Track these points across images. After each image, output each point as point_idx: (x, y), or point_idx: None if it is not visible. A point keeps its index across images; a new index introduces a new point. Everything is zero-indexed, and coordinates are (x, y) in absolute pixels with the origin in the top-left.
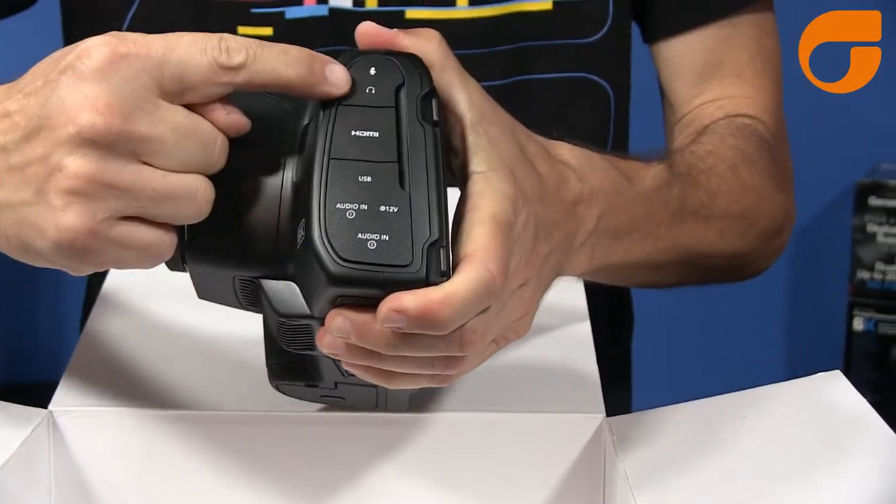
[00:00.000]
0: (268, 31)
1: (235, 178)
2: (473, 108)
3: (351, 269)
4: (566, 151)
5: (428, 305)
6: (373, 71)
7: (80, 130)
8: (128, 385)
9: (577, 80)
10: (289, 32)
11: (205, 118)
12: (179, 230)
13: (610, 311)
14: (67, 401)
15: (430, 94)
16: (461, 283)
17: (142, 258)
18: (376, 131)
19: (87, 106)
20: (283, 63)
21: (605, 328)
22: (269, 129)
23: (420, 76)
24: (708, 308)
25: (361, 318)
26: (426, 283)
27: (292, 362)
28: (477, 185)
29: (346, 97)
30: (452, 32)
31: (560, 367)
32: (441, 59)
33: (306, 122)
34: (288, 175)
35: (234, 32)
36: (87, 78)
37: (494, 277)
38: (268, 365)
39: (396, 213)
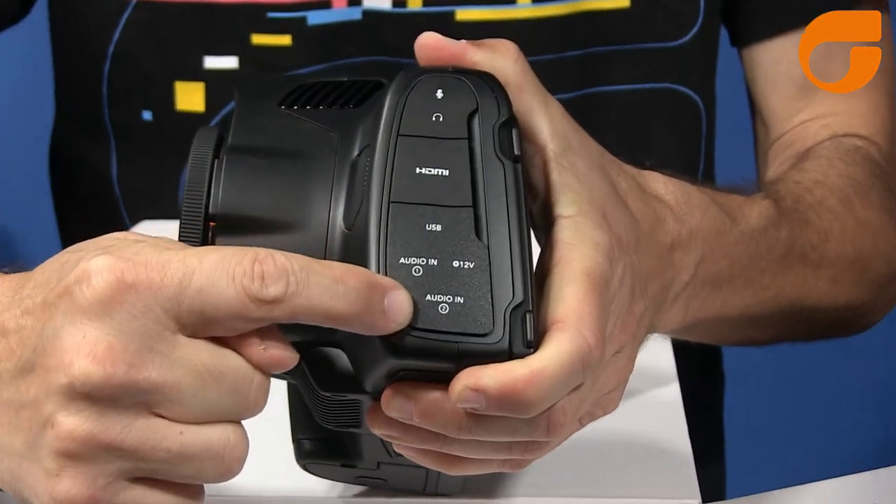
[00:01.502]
0: (286, 39)
1: None
2: (556, 136)
3: (418, 338)
4: (661, 185)
5: (512, 384)
6: (440, 94)
7: (73, 382)
8: None
9: (660, 92)
10: (313, 42)
11: (238, 353)
12: None
13: (699, 369)
14: None
15: (510, 122)
16: (552, 356)
17: None
18: (446, 168)
19: (84, 351)
20: (333, 295)
21: (693, 390)
22: (312, 161)
23: (497, 100)
24: (814, 365)
25: (428, 396)
26: (509, 355)
27: (326, 438)
28: (565, 232)
29: (408, 125)
30: (511, 36)
31: (646, 440)
32: (519, 77)
33: (357, 154)
34: (336, 217)
35: (247, 41)
36: (86, 312)
37: (591, 348)
38: (294, 441)
39: (472, 269)
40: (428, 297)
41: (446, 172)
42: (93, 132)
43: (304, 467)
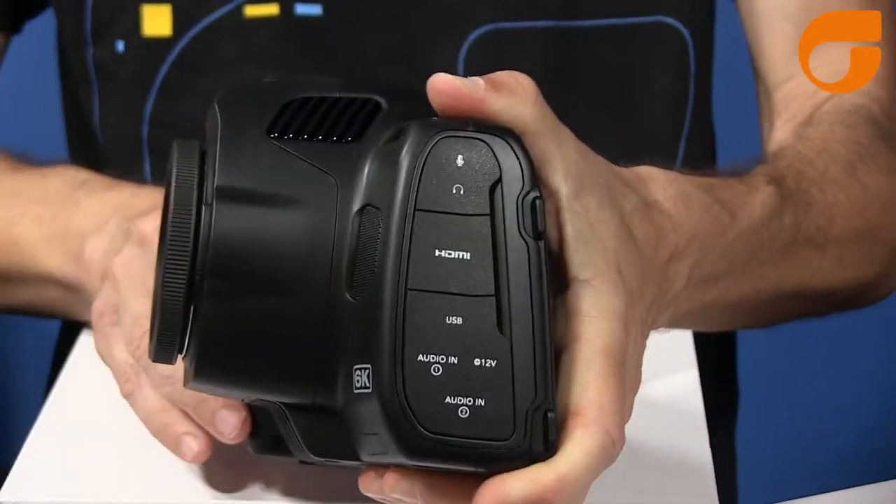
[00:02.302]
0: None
1: None
2: (570, 177)
3: (437, 443)
4: (660, 191)
5: (540, 494)
6: (460, 161)
7: None
8: (93, 474)
9: (644, 28)
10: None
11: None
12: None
13: (712, 381)
14: (20, 491)
15: (533, 193)
16: (577, 456)
17: None
18: (468, 251)
19: None
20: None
21: (706, 402)
22: (310, 212)
23: (521, 167)
24: (828, 375)
25: (439, 488)
26: (529, 458)
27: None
28: (584, 302)
29: (426, 199)
30: None
31: (665, 448)
32: (538, 122)
33: (359, 208)
34: (338, 282)
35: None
36: None
37: (614, 442)
38: (251, 439)
39: (494, 368)
40: (448, 399)
41: (467, 256)
42: (80, 78)
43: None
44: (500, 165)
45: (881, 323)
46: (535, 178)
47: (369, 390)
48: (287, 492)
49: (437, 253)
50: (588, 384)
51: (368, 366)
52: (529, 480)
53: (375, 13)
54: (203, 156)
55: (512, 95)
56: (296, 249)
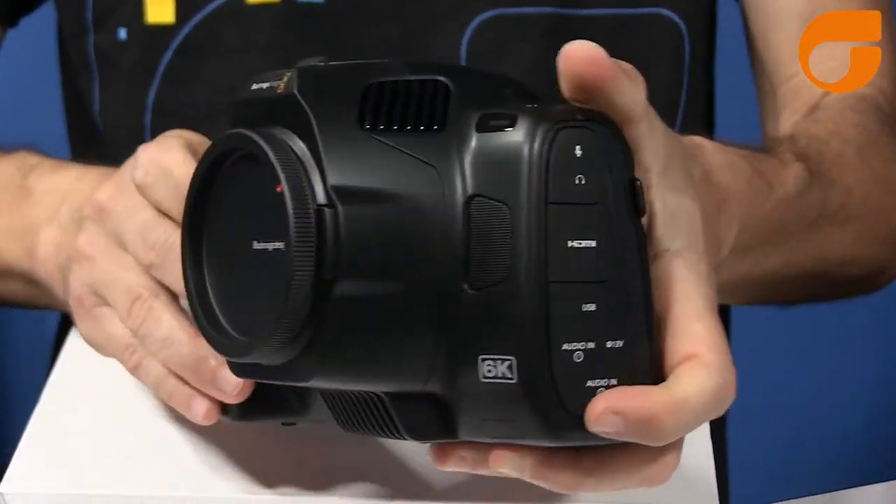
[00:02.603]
0: None
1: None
2: (658, 155)
3: (580, 425)
4: (711, 159)
5: (653, 412)
6: (579, 151)
7: None
8: (93, 464)
9: (641, 18)
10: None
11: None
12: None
13: None
14: (20, 482)
15: (633, 178)
16: (693, 389)
17: None
18: (593, 239)
19: None
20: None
21: None
22: (420, 206)
23: (624, 154)
24: (820, 375)
25: (547, 460)
26: None
27: (264, 397)
28: (678, 270)
29: (555, 191)
30: None
31: None
32: (642, 109)
33: (468, 196)
34: (454, 274)
35: None
36: None
37: (729, 387)
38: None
39: (621, 349)
40: (589, 382)
41: (594, 244)
42: (80, 67)
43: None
44: (609, 152)
45: (874, 323)
46: (633, 165)
47: (512, 380)
48: (286, 481)
49: (569, 244)
50: (701, 334)
51: (510, 358)
52: (644, 398)
53: (377, 1)
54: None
55: (634, 81)
56: (411, 243)
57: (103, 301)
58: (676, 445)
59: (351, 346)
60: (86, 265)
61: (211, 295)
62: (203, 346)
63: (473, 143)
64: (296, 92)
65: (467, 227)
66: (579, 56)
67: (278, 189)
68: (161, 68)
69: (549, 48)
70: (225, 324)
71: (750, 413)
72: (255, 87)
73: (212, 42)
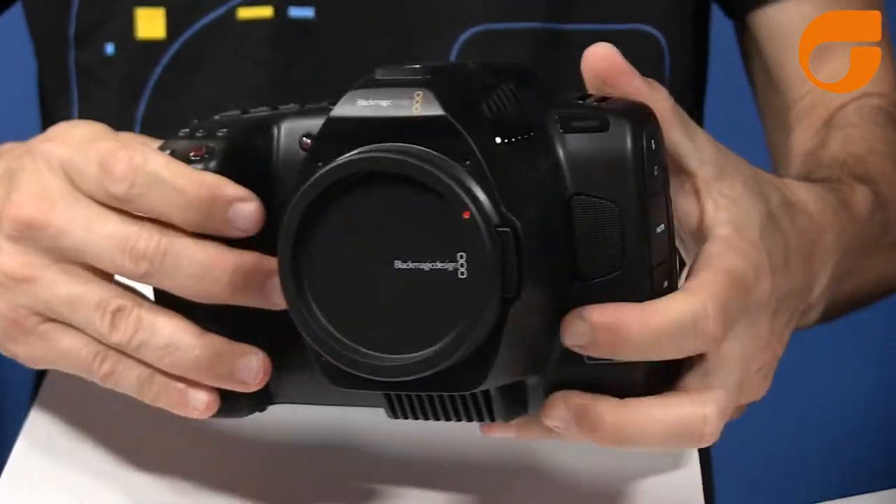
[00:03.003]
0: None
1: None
2: (706, 164)
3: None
4: (800, 193)
5: (619, 317)
6: (653, 145)
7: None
8: (87, 473)
9: (624, 34)
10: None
11: None
12: None
13: None
14: (14, 493)
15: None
16: (667, 307)
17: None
18: (664, 223)
19: None
20: (172, 205)
21: None
22: (544, 212)
23: (661, 143)
24: (807, 383)
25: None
26: None
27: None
28: (714, 246)
29: (648, 185)
30: None
31: (654, 458)
32: (672, 113)
33: (570, 195)
34: (558, 268)
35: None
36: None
37: (708, 318)
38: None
39: None
40: None
41: (664, 227)
42: (58, 82)
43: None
44: (662, 144)
45: (868, 330)
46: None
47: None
48: (280, 492)
49: (656, 230)
50: (701, 279)
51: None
52: (615, 307)
53: (367, 15)
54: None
55: (653, 85)
56: (549, 250)
57: (49, 319)
58: (717, 402)
59: (516, 351)
60: (20, 286)
61: (321, 317)
62: (215, 342)
63: (565, 144)
64: (446, 114)
65: (571, 225)
66: (601, 56)
67: (465, 215)
68: (151, 83)
69: (538, 62)
70: (352, 342)
71: (736, 423)
72: (362, 103)
73: (203, 57)
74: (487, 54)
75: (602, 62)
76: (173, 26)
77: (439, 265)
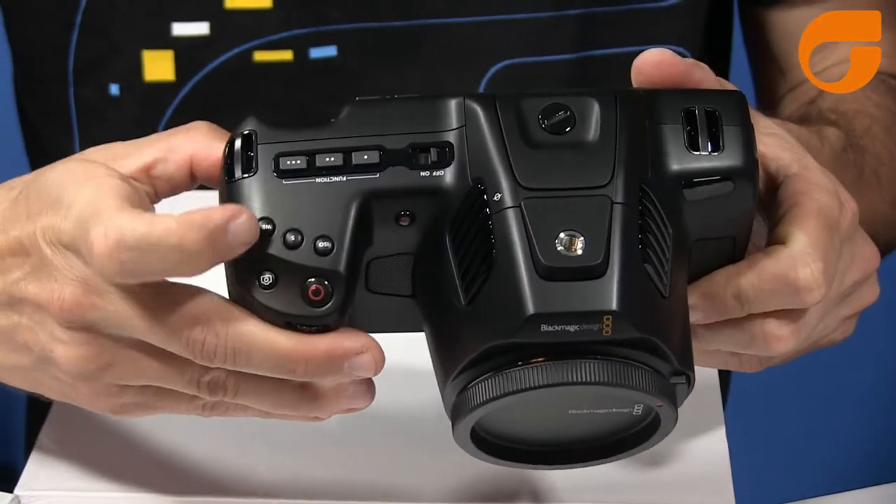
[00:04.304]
0: (265, 1)
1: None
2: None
3: None
4: (792, 127)
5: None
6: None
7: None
8: (108, 464)
9: None
10: (296, 4)
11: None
12: None
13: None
14: (37, 483)
15: None
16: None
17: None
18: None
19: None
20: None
21: None
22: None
23: None
24: (819, 377)
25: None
26: None
27: None
28: (794, 185)
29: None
30: None
31: (683, 448)
32: (717, 82)
33: (693, 241)
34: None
35: (219, 4)
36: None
37: (813, 273)
38: None
39: None
40: None
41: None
42: (56, 116)
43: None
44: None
45: (876, 323)
46: None
47: None
48: (295, 488)
49: None
50: (800, 228)
51: None
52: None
53: (391, 51)
54: None
55: (703, 67)
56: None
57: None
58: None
59: None
60: (101, 373)
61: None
62: (307, 341)
63: (686, 202)
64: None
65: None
66: (650, 62)
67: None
68: (162, 125)
69: (568, 86)
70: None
71: (749, 412)
72: (546, 328)
73: (215, 99)
74: (518, 86)
75: (658, 68)
76: (183, 68)
77: (614, 410)
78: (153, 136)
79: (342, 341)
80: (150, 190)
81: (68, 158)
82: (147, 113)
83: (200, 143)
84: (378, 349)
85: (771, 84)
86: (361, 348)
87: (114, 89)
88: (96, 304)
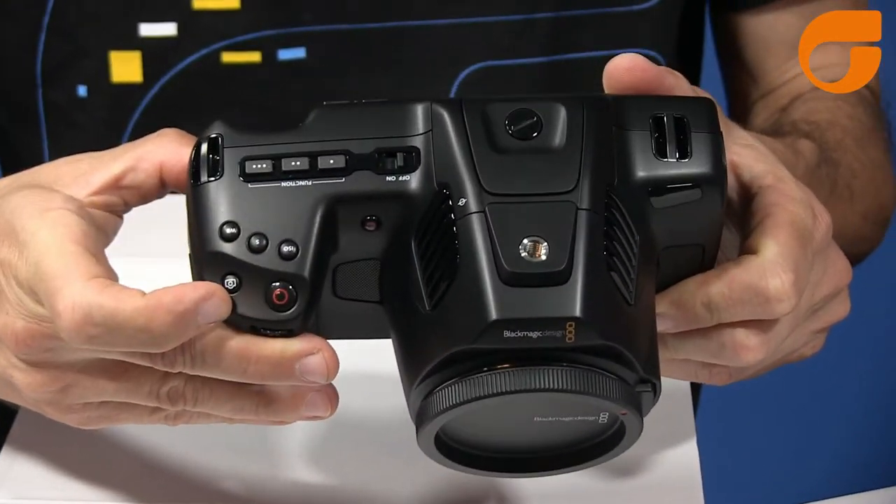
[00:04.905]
0: (233, 2)
1: None
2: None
3: None
4: (766, 139)
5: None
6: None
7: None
8: (77, 471)
9: None
10: (264, 4)
11: None
12: None
13: None
14: (4, 491)
15: None
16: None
17: None
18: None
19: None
20: (142, 343)
21: None
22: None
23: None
24: (793, 384)
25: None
26: None
27: None
28: (767, 196)
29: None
30: None
31: (654, 456)
32: (691, 90)
33: (661, 248)
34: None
35: (187, 5)
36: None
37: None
38: None
39: None
40: None
41: None
42: (24, 119)
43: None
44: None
45: (869, 328)
46: None
47: None
48: (262, 496)
49: None
50: (770, 239)
51: None
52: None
53: (361, 53)
54: None
55: (675, 75)
56: None
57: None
58: (761, 331)
59: None
60: (61, 395)
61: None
62: (256, 342)
63: (653, 210)
64: (607, 342)
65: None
66: (621, 67)
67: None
68: (130, 126)
69: (539, 91)
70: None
71: (719, 423)
72: (508, 334)
73: (184, 101)
74: (490, 89)
75: (633, 73)
76: (150, 70)
77: (580, 418)
78: (121, 147)
79: (292, 343)
80: (119, 202)
81: (29, 181)
82: (115, 115)
83: (169, 150)
84: (331, 353)
85: (742, 90)
86: (311, 349)
87: (81, 91)
88: (48, 338)
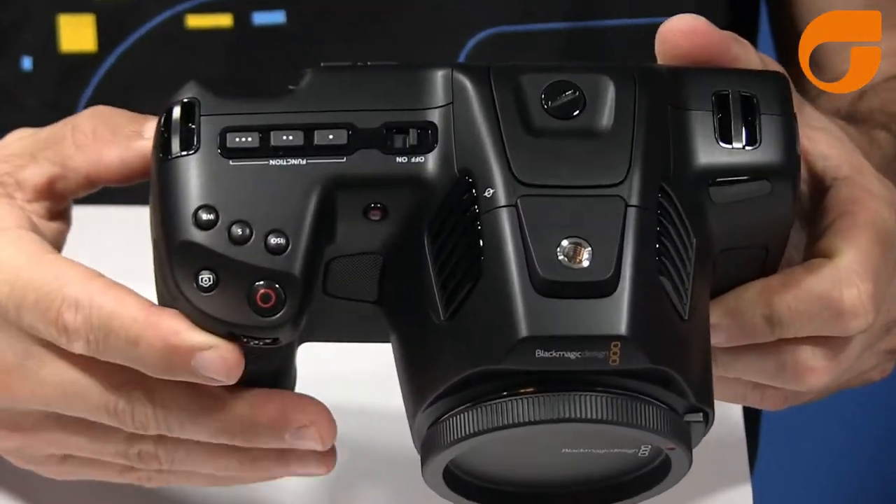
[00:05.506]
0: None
1: None
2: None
3: None
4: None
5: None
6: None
7: None
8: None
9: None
10: None
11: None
12: None
13: None
14: None
15: None
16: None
17: None
18: None
19: None
20: (131, 358)
21: None
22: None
23: None
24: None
25: None
26: None
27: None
28: (843, 190)
29: None
30: None
31: (707, 484)
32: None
33: (718, 251)
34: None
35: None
36: None
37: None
38: None
39: None
40: None
41: None
42: None
43: None
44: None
45: None
46: None
47: None
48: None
49: None
50: (847, 241)
51: None
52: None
53: (350, 18)
54: None
55: (742, 43)
56: None
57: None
58: (821, 347)
59: None
60: (24, 447)
61: None
62: (252, 402)
63: (713, 205)
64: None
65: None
66: (679, 31)
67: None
68: (80, 106)
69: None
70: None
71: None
72: (541, 354)
73: (144, 72)
74: (504, 58)
75: (688, 39)
76: (106, 36)
77: (616, 451)
78: (44, 139)
79: (287, 411)
80: (57, 207)
81: None
82: (64, 91)
83: (93, 155)
84: (327, 423)
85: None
86: (307, 422)
87: (26, 63)
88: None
